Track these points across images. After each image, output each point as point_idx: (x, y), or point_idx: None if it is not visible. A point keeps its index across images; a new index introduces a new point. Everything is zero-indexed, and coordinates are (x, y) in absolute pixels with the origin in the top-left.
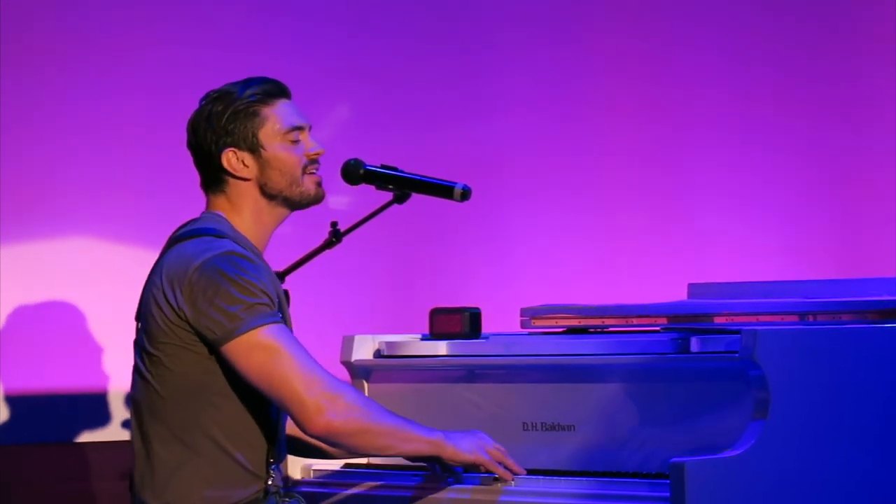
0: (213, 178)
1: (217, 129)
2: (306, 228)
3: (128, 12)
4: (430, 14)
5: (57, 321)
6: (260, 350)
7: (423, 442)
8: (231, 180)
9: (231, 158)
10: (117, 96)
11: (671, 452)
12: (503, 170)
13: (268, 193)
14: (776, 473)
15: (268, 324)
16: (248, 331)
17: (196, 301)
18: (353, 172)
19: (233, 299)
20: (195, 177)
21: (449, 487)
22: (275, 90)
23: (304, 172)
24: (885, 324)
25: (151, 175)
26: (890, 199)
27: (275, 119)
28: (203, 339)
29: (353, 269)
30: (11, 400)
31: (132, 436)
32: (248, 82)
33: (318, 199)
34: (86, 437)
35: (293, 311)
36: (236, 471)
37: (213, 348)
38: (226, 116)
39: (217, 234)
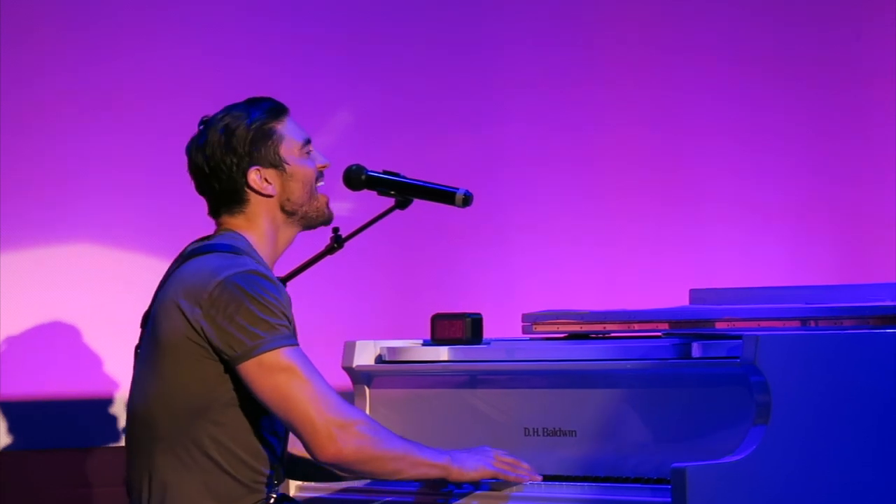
0: (232, 198)
1: (239, 151)
2: (308, 234)
3: (131, 19)
4: (431, 19)
5: (59, 327)
6: (278, 371)
7: (430, 466)
8: (253, 198)
9: (255, 178)
10: (121, 102)
11: (672, 457)
12: (505, 175)
13: (288, 209)
14: (777, 479)
15: (287, 346)
16: (267, 351)
17: (216, 318)
18: (355, 178)
19: (254, 318)
20: None
21: (451, 494)
22: (279, 108)
23: (314, 185)
24: (886, 329)
25: (154, 180)
26: (893, 204)
27: (290, 135)
28: (218, 355)
29: (355, 274)
30: (14, 406)
31: (126, 444)
32: (252, 103)
33: (330, 218)
34: (90, 442)
35: (294, 316)
36: (234, 487)
37: (229, 366)
38: (247, 139)
39: (235, 251)
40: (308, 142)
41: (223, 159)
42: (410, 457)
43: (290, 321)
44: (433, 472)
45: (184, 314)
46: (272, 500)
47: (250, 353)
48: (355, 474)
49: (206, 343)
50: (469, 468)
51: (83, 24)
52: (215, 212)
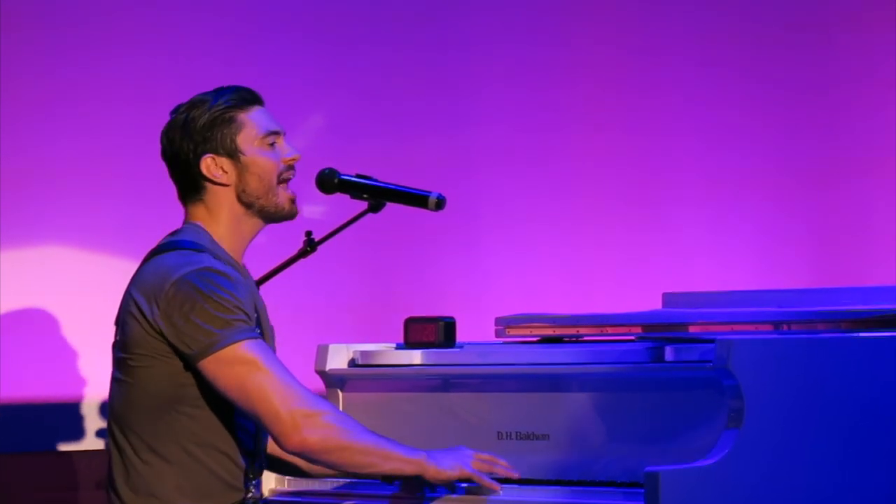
0: (191, 186)
1: (195, 136)
2: (281, 238)
3: (101, 21)
4: (404, 22)
5: (33, 330)
6: (237, 365)
7: (403, 461)
8: (209, 187)
9: (210, 164)
10: (94, 104)
11: (645, 461)
12: (478, 179)
13: (245, 201)
14: (750, 482)
15: (245, 339)
16: (224, 346)
17: (172, 317)
18: (328, 181)
19: (209, 316)
20: (173, 186)
21: (424, 496)
22: (249, 97)
23: (279, 180)
24: (859, 333)
25: (128, 183)
26: (866, 209)
27: (251, 124)
28: (179, 353)
29: (328, 278)
30: None
31: (108, 443)
32: (221, 91)
33: (291, 214)
34: (63, 446)
35: (267, 314)
36: (212, 482)
37: (189, 363)
38: (202, 123)
39: (195, 248)
40: (273, 133)
41: (181, 145)
42: (382, 450)
43: (249, 315)
44: (407, 469)
45: (143, 314)
46: (249, 503)
47: (207, 351)
48: (324, 465)
49: (166, 342)
50: (445, 467)
51: (52, 27)
52: (181, 199)
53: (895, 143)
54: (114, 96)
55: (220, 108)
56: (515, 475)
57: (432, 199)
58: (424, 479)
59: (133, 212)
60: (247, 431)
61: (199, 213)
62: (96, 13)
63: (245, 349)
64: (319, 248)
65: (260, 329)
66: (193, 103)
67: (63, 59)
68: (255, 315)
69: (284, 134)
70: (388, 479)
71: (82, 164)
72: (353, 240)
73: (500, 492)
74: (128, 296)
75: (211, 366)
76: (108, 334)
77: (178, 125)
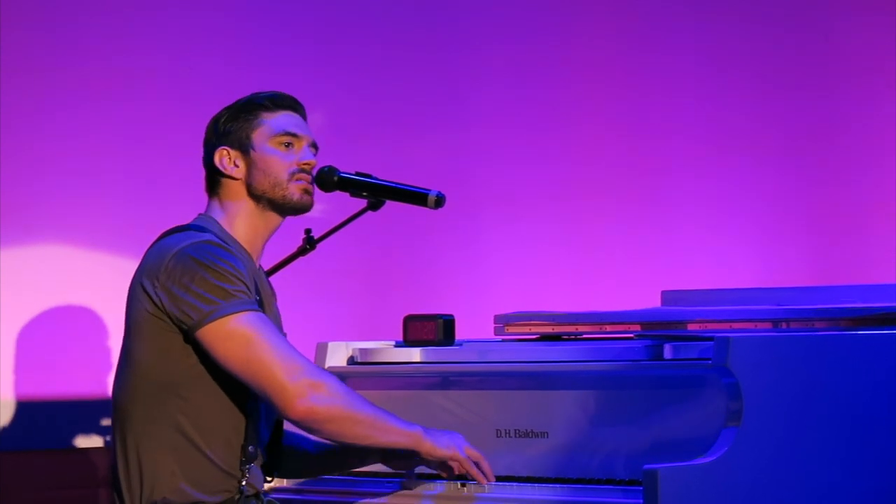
0: (210, 178)
1: (218, 129)
2: (280, 235)
3: (110, 22)
4: (405, 22)
5: (32, 328)
6: (237, 336)
7: (401, 434)
8: (223, 180)
9: (223, 157)
10: (97, 104)
11: (644, 459)
12: (477, 177)
13: (254, 194)
14: (749, 480)
15: (245, 310)
16: (224, 316)
17: (171, 288)
18: (328, 179)
19: (209, 285)
20: (176, 186)
21: (423, 494)
22: (281, 101)
23: (290, 179)
24: (857, 331)
25: (129, 182)
26: (863, 208)
27: (270, 123)
28: (179, 326)
29: (328, 276)
30: None
31: (111, 435)
32: (260, 92)
33: (302, 204)
34: (63, 444)
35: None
36: (208, 467)
37: (189, 335)
38: (227, 117)
39: (199, 229)
40: (289, 134)
41: (208, 138)
42: (381, 422)
43: (249, 287)
44: (404, 441)
45: (146, 291)
46: (245, 492)
47: (206, 320)
48: (324, 435)
49: (166, 316)
50: (441, 445)
51: (53, 26)
52: (206, 190)
53: (895, 140)
54: (114, 95)
55: (248, 105)
56: (492, 479)
57: (431, 197)
58: (418, 454)
59: (133, 210)
60: (242, 417)
61: (215, 206)
62: (96, 12)
63: (245, 320)
64: (319, 245)
65: (262, 306)
66: (233, 103)
67: (63, 58)
68: (258, 298)
69: (309, 141)
70: (386, 461)
71: (83, 162)
72: (352, 238)
73: (487, 488)
74: (133, 281)
75: (209, 336)
76: (108, 332)
77: (213, 121)
